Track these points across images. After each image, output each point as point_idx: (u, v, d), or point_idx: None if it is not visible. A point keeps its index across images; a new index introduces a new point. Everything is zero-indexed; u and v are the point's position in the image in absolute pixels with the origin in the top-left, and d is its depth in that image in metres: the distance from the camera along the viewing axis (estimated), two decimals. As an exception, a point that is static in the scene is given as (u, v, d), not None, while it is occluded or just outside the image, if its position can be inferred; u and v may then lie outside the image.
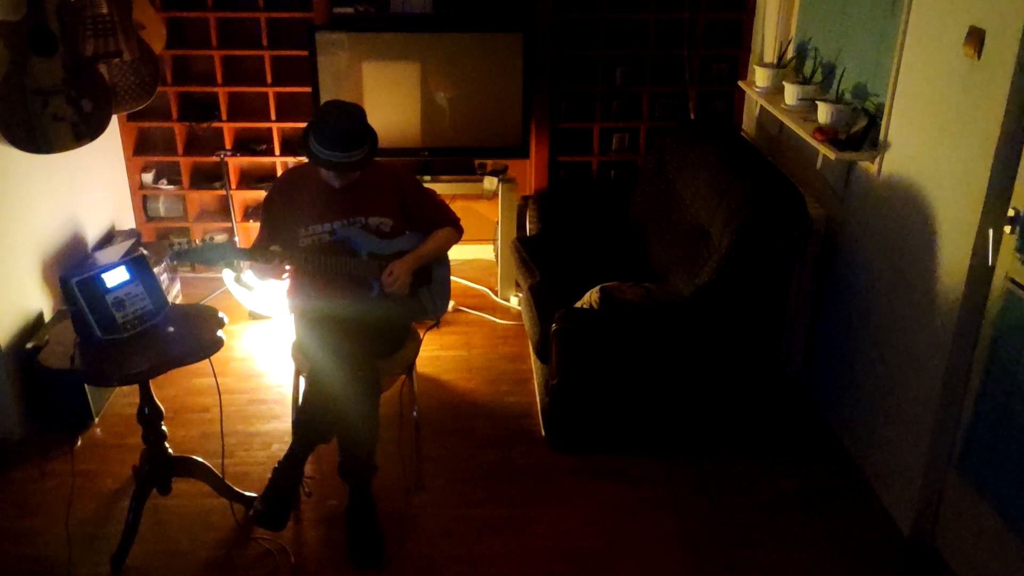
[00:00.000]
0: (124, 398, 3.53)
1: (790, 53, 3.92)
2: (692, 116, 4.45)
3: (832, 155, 3.08)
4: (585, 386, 3.21)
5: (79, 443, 3.32)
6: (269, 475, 2.76)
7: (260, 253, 2.87)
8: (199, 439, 3.34)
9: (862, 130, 3.08)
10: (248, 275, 3.96)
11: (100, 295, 2.56)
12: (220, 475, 2.93)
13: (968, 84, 2.52)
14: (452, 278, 3.26)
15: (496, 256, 4.46)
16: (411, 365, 3.16)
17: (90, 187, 4.00)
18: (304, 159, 3.01)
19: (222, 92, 4.35)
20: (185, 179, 4.50)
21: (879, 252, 3.07)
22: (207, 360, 2.63)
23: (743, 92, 4.39)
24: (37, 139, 3.28)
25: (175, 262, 4.16)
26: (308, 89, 4.18)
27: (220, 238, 4.54)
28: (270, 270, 2.92)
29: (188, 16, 4.26)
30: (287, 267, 2.96)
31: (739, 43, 4.42)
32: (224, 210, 4.54)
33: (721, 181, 3.31)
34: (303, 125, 4.35)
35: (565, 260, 3.79)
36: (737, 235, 3.02)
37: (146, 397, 2.72)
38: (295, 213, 2.96)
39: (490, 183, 4.30)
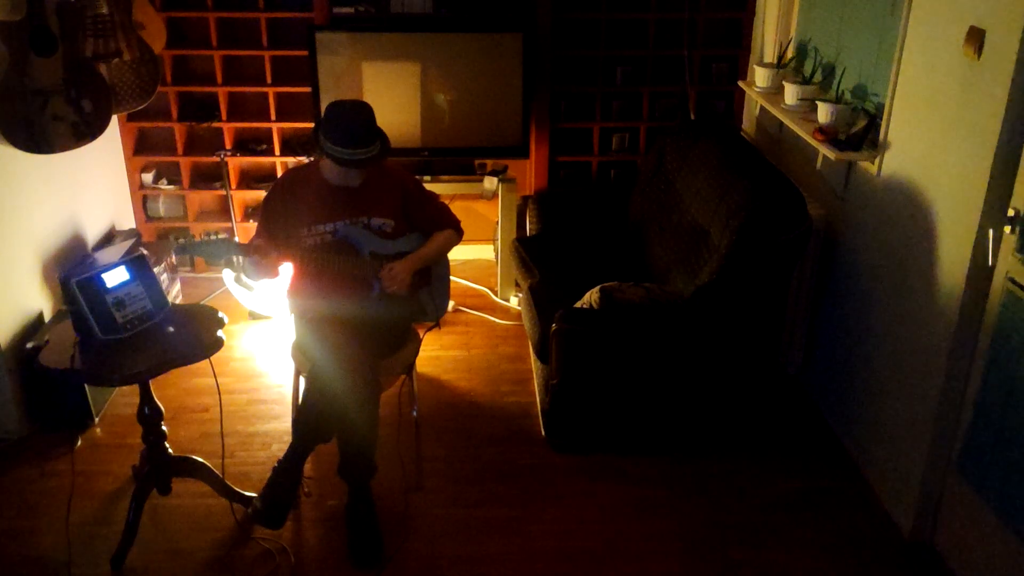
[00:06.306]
0: (124, 398, 3.53)
1: (790, 53, 3.92)
2: (692, 116, 4.45)
3: (832, 155, 3.09)
4: (585, 386, 3.21)
5: (79, 443, 3.32)
6: (269, 474, 2.76)
7: (256, 247, 2.86)
8: (199, 439, 3.34)
9: (862, 130, 3.08)
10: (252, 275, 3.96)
11: (100, 295, 2.56)
12: (220, 475, 2.93)
13: (968, 84, 2.52)
14: (452, 278, 3.26)
15: (496, 256, 4.46)
16: (411, 365, 3.16)
17: (90, 187, 4.00)
18: (304, 159, 3.01)
19: (222, 92, 4.35)
20: (185, 179, 4.50)
21: (879, 252, 3.07)
22: (207, 360, 2.63)
23: (743, 92, 4.39)
24: (37, 139, 3.28)
25: (177, 256, 4.16)
26: (308, 89, 4.18)
27: (221, 237, 4.55)
28: (265, 266, 2.91)
29: (188, 16, 4.26)
30: (279, 263, 2.94)
31: (739, 43, 4.42)
32: (224, 210, 4.54)
33: (721, 181, 3.31)
34: (303, 125, 4.39)
35: (565, 260, 3.79)
36: (737, 235, 3.02)
37: (146, 397, 2.72)
38: (297, 213, 2.96)
39: (490, 183, 4.30)
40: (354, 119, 2.84)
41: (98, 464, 3.21)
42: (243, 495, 2.93)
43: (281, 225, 2.97)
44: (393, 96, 4.16)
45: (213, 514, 2.95)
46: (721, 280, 3.03)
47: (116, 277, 2.61)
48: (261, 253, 2.84)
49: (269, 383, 3.74)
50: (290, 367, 3.42)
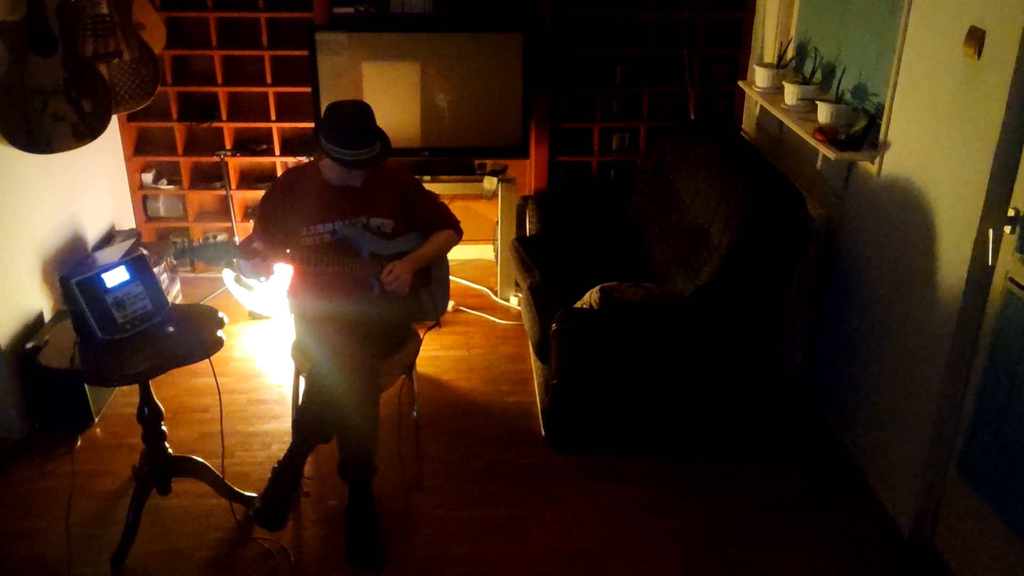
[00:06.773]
0: (124, 398, 3.53)
1: (790, 53, 3.92)
2: (692, 116, 4.45)
3: (832, 155, 3.08)
4: (585, 386, 3.21)
5: (79, 443, 3.32)
6: (269, 475, 2.76)
7: (255, 250, 2.85)
8: (199, 439, 3.34)
9: (862, 130, 3.08)
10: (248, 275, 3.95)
11: (100, 295, 2.56)
12: (220, 475, 2.93)
13: (968, 84, 2.52)
14: (452, 278, 3.26)
15: (496, 256, 4.46)
16: (411, 365, 3.16)
17: (90, 187, 4.00)
18: (303, 159, 3.01)
19: (222, 92, 4.35)
20: (185, 179, 4.50)
21: (879, 252, 3.07)
22: (207, 360, 2.63)
23: (743, 92, 4.39)
24: (37, 139, 3.28)
25: (176, 259, 4.16)
26: (308, 89, 4.18)
27: (221, 238, 4.55)
28: (262, 267, 2.90)
29: (188, 16, 4.26)
30: (275, 263, 2.94)
31: (739, 43, 4.42)
32: (224, 210, 4.54)
33: (721, 181, 3.31)
34: (303, 125, 4.39)
35: (565, 260, 3.79)
36: (737, 235, 3.02)
37: (146, 397, 2.72)
38: (296, 213, 2.96)
39: (490, 183, 4.30)
40: (354, 119, 2.85)
41: (98, 464, 3.21)
42: (243, 495, 2.93)
43: (279, 225, 2.97)
44: (393, 96, 4.16)
45: (213, 514, 2.95)
46: (721, 280, 3.03)
47: (116, 277, 2.61)
48: (260, 256, 2.84)
49: (269, 383, 3.74)
50: (290, 367, 3.42)
